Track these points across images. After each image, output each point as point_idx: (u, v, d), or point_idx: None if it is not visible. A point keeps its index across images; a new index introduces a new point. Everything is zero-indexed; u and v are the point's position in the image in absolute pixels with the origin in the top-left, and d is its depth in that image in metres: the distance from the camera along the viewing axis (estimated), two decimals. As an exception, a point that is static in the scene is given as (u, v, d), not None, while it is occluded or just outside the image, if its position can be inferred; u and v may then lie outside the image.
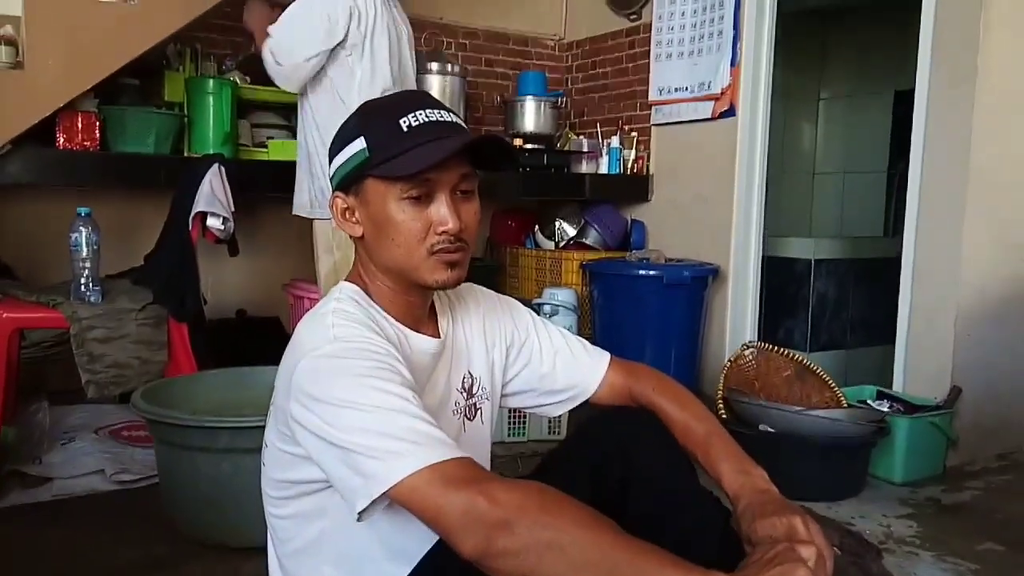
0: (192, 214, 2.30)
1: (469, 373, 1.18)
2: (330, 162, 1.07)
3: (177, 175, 2.47)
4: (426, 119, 1.00)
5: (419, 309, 1.11)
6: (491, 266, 3.87)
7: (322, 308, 1.04)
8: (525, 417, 2.76)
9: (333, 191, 1.08)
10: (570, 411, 1.32)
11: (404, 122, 0.99)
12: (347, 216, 1.06)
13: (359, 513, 0.88)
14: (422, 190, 1.00)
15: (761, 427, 2.38)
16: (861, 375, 3.41)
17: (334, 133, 1.08)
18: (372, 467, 0.86)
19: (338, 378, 0.91)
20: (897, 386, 2.81)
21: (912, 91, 2.80)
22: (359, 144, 1.01)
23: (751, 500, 1.02)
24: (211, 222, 2.32)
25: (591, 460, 1.13)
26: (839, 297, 3.76)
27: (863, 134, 4.73)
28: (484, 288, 1.29)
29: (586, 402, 1.27)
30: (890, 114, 4.53)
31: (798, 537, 0.93)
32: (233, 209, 2.39)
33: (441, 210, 1.01)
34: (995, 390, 2.78)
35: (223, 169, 2.39)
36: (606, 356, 1.28)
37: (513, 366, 1.25)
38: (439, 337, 1.13)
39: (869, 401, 2.71)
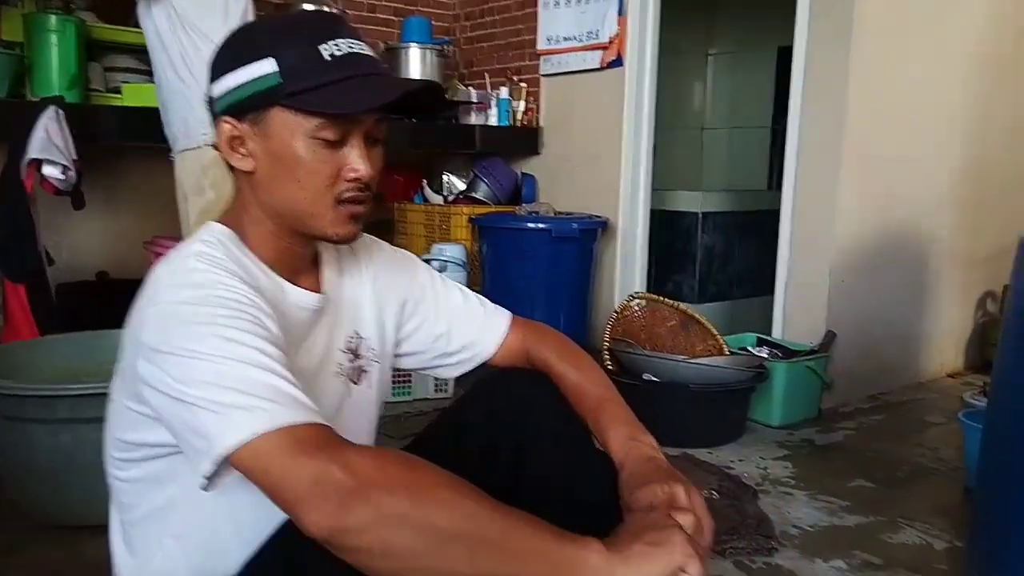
0: (25, 162, 2.06)
1: (356, 333, 1.08)
2: (213, 79, 0.92)
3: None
4: (349, 49, 0.89)
5: (301, 260, 0.99)
6: (378, 222, 3.72)
7: (184, 250, 0.91)
8: (410, 376, 2.68)
9: (219, 115, 0.92)
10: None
11: (325, 50, 0.87)
12: (235, 146, 0.92)
13: (205, 479, 0.77)
14: (339, 132, 0.89)
15: (646, 376, 2.38)
16: (746, 325, 3.48)
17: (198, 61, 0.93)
18: (215, 424, 0.76)
19: (186, 327, 0.80)
20: (776, 333, 2.88)
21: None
22: (268, 66, 0.87)
23: (635, 467, 0.98)
24: (48, 171, 2.09)
25: (483, 426, 1.07)
26: (725, 249, 3.83)
27: (749, 90, 4.81)
28: (378, 239, 1.17)
29: (483, 363, 1.19)
30: (774, 70, 4.62)
31: (678, 505, 0.89)
32: (75, 157, 2.16)
33: (354, 155, 0.90)
34: (867, 335, 2.89)
35: (61, 113, 2.15)
36: (506, 316, 1.20)
37: (406, 325, 1.15)
38: (320, 291, 1.02)
39: (750, 348, 2.77)
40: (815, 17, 2.73)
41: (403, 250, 1.19)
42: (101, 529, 1.63)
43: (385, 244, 1.18)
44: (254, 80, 0.88)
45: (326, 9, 3.17)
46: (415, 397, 2.71)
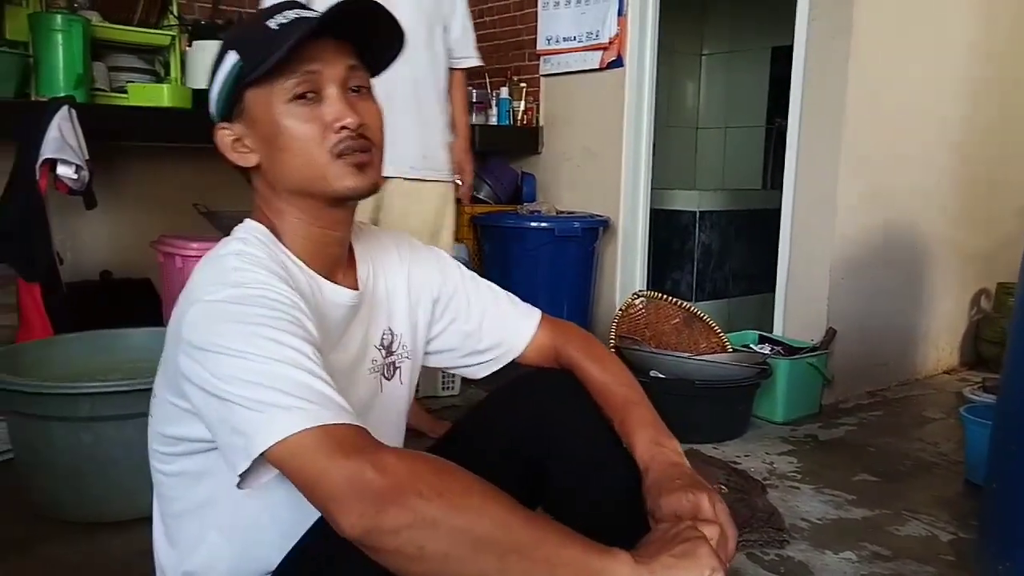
0: (39, 162, 2.07)
1: (389, 329, 1.09)
2: (207, 98, 0.97)
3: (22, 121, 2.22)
4: (296, 15, 0.92)
5: (335, 249, 1.01)
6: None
7: (224, 249, 0.93)
8: (417, 374, 2.69)
9: (216, 124, 0.97)
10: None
11: (272, 23, 0.91)
12: (237, 147, 0.96)
13: (240, 476, 0.78)
14: (307, 86, 0.90)
15: (652, 373, 2.41)
16: (741, 322, 3.54)
17: None
18: (254, 421, 0.77)
19: (228, 325, 0.82)
20: (777, 331, 2.92)
21: (788, 47, 2.87)
22: (231, 59, 0.92)
23: (660, 474, 0.98)
24: (62, 171, 2.09)
25: (508, 425, 1.07)
26: (722, 248, 3.87)
27: (743, 90, 4.87)
28: (411, 237, 1.19)
29: (512, 362, 1.19)
30: (768, 70, 4.67)
31: (703, 515, 0.90)
32: (87, 157, 2.17)
33: (334, 105, 0.91)
34: (866, 331, 2.94)
35: (74, 113, 2.16)
36: (536, 314, 1.20)
37: (438, 323, 1.16)
38: (357, 288, 1.03)
39: (752, 345, 2.80)
40: (814, 18, 2.77)
41: (436, 247, 1.20)
42: (119, 526, 1.67)
43: (417, 241, 1.19)
44: (226, 76, 0.93)
45: None
46: (422, 395, 2.73)
